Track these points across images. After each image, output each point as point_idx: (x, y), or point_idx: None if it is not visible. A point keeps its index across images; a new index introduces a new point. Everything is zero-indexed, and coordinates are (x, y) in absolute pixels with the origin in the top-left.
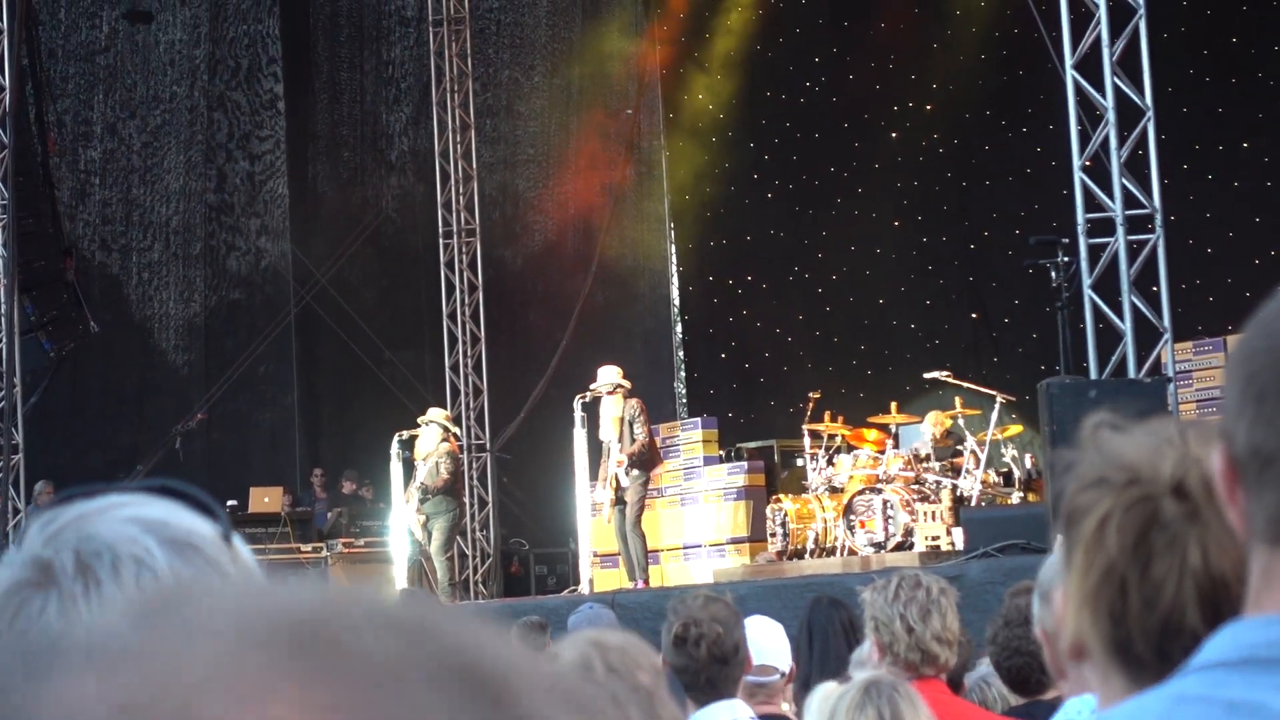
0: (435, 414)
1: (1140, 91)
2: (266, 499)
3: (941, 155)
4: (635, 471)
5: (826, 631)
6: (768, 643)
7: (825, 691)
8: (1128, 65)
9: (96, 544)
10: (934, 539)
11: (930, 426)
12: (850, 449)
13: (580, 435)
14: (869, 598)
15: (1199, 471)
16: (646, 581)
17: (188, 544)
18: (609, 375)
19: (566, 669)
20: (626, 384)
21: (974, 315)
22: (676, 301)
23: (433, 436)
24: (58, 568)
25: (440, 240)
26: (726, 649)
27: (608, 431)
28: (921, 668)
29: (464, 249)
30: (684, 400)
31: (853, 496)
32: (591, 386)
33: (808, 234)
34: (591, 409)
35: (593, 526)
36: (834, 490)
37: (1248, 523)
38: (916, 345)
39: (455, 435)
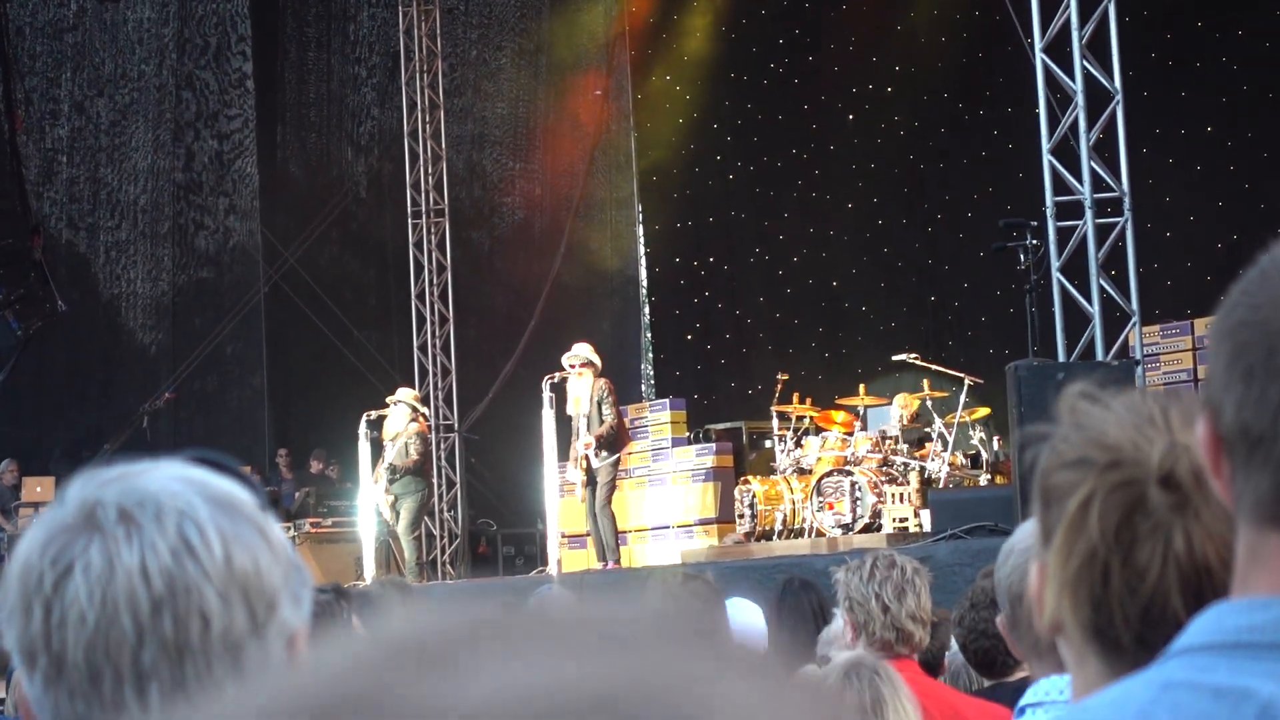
0: (404, 394)
1: (1109, 75)
2: None
3: (901, 138)
4: (604, 453)
5: (796, 614)
6: (745, 624)
7: (806, 674)
8: (1094, 48)
9: (140, 495)
10: (902, 521)
11: (898, 409)
12: (818, 431)
13: (549, 416)
14: (843, 578)
15: (1189, 460)
16: (617, 563)
17: (230, 503)
18: (582, 351)
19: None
20: (597, 362)
21: (932, 298)
22: (644, 283)
23: (401, 416)
24: (100, 514)
25: (409, 220)
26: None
27: (575, 410)
28: (896, 646)
29: (432, 229)
30: (652, 381)
31: (821, 478)
32: (563, 358)
33: (768, 216)
34: (560, 389)
35: (561, 507)
36: (802, 472)
37: (1235, 501)
38: (874, 328)
39: (424, 415)
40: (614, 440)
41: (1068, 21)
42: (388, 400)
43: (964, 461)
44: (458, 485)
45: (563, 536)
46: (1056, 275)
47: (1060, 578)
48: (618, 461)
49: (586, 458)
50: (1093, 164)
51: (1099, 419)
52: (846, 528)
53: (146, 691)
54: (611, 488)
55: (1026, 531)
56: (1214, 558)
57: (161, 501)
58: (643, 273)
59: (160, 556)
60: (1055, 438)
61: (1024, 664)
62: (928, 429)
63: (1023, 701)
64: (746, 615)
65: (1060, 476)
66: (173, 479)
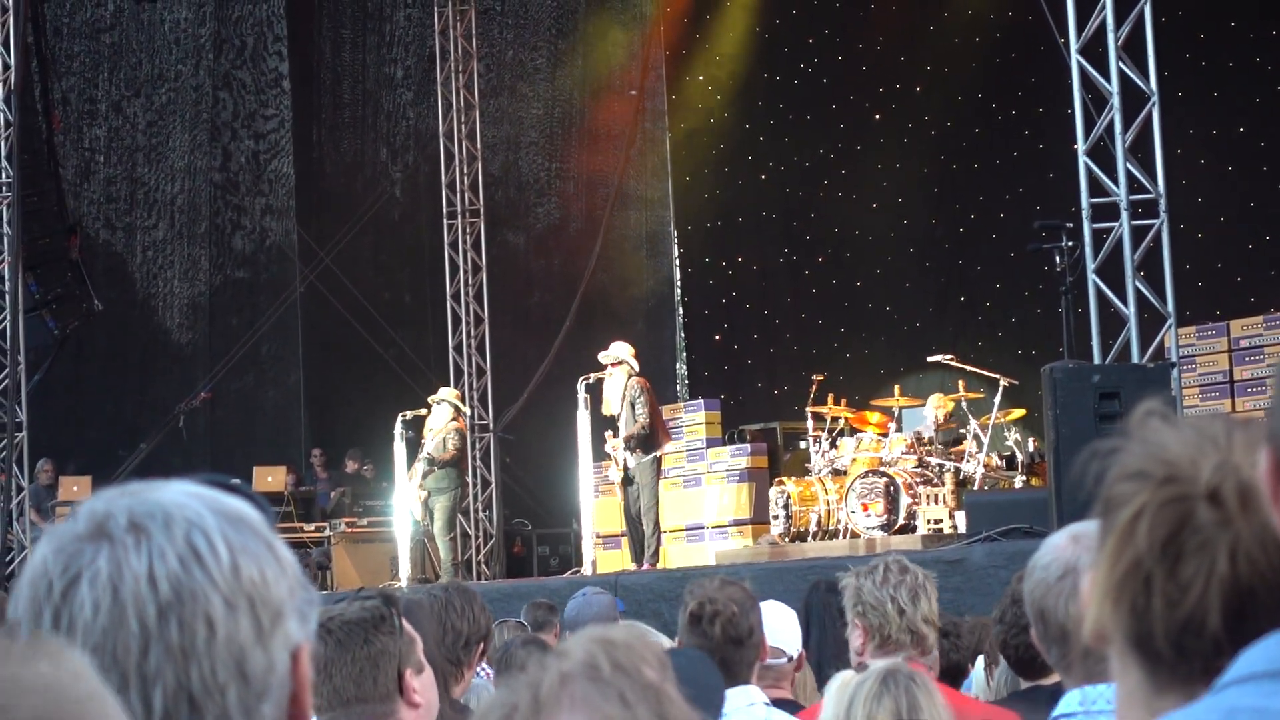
0: (445, 393)
1: (1145, 76)
2: (270, 478)
3: (932, 137)
4: (639, 453)
5: (824, 616)
6: (778, 626)
7: (843, 680)
8: (1131, 49)
9: (150, 506)
10: (936, 522)
11: (933, 409)
12: (853, 432)
13: (583, 416)
14: (854, 583)
15: (1236, 479)
16: (655, 564)
17: (239, 518)
18: (619, 350)
19: (573, 670)
20: (631, 361)
21: (961, 299)
22: (678, 283)
23: (443, 415)
24: (111, 525)
25: (444, 220)
26: (741, 630)
27: (610, 408)
28: (910, 650)
29: (468, 229)
30: (686, 382)
31: (856, 479)
32: (600, 356)
33: (797, 216)
34: (595, 390)
35: (596, 507)
36: (837, 473)
37: None
38: (900, 328)
39: (465, 414)
40: (647, 439)
41: (1103, 23)
42: (429, 399)
43: (999, 463)
44: (493, 485)
45: (597, 537)
46: (1092, 277)
47: (1105, 584)
48: (657, 461)
49: (626, 457)
50: (1129, 165)
51: (1164, 435)
52: (882, 529)
53: (151, 696)
54: (654, 492)
55: (1050, 548)
56: (1257, 580)
57: (171, 512)
58: (676, 272)
59: (168, 563)
60: (1122, 451)
61: None
62: (963, 430)
63: (1056, 712)
64: (778, 617)
65: (1119, 488)
66: (183, 494)
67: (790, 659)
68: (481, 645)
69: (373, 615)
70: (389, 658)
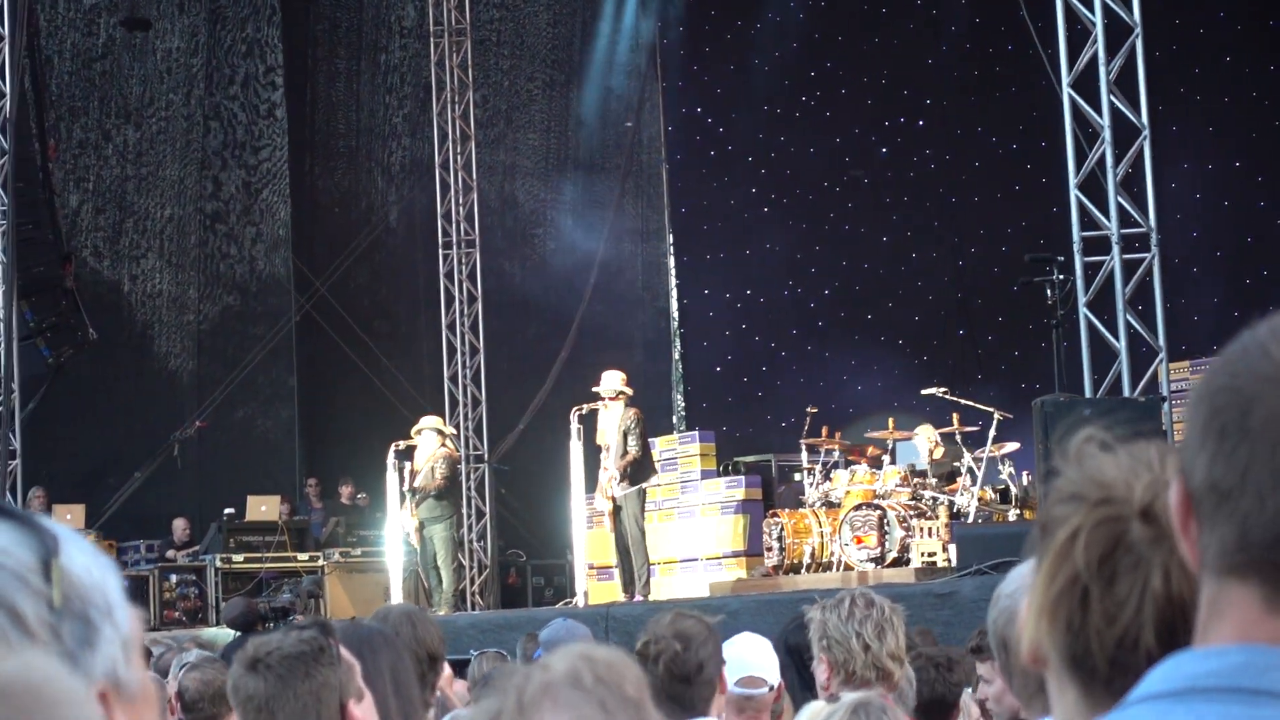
0: (429, 421)
1: (1136, 110)
2: (264, 507)
3: (933, 170)
4: (625, 483)
5: (804, 649)
6: (754, 656)
7: (812, 711)
8: (1122, 83)
9: None
10: (930, 555)
11: (923, 441)
12: (848, 464)
13: (577, 447)
14: (819, 617)
15: (1168, 497)
16: (646, 595)
17: None
18: (612, 381)
19: (557, 678)
20: (629, 391)
21: (960, 332)
22: (675, 315)
23: (431, 442)
24: None
25: (440, 251)
26: (687, 667)
27: (605, 439)
28: (875, 686)
29: (464, 260)
30: (682, 413)
31: (849, 511)
32: (595, 389)
33: (801, 248)
34: (589, 420)
35: (588, 539)
36: (830, 505)
37: (1200, 554)
38: (908, 361)
39: (452, 438)
40: (638, 470)
41: (1094, 56)
42: (412, 431)
43: (993, 496)
44: (487, 516)
45: (590, 568)
46: (1083, 310)
47: (1041, 602)
48: (643, 494)
49: (610, 487)
50: (1120, 199)
51: (1099, 460)
52: (875, 561)
53: None
54: (640, 519)
55: (1014, 576)
56: (1189, 596)
57: None
58: (674, 304)
59: None
60: (1060, 477)
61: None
62: (956, 463)
63: None
64: (753, 648)
65: (1055, 510)
66: None
67: (770, 688)
68: (437, 668)
69: (311, 647)
70: (331, 690)
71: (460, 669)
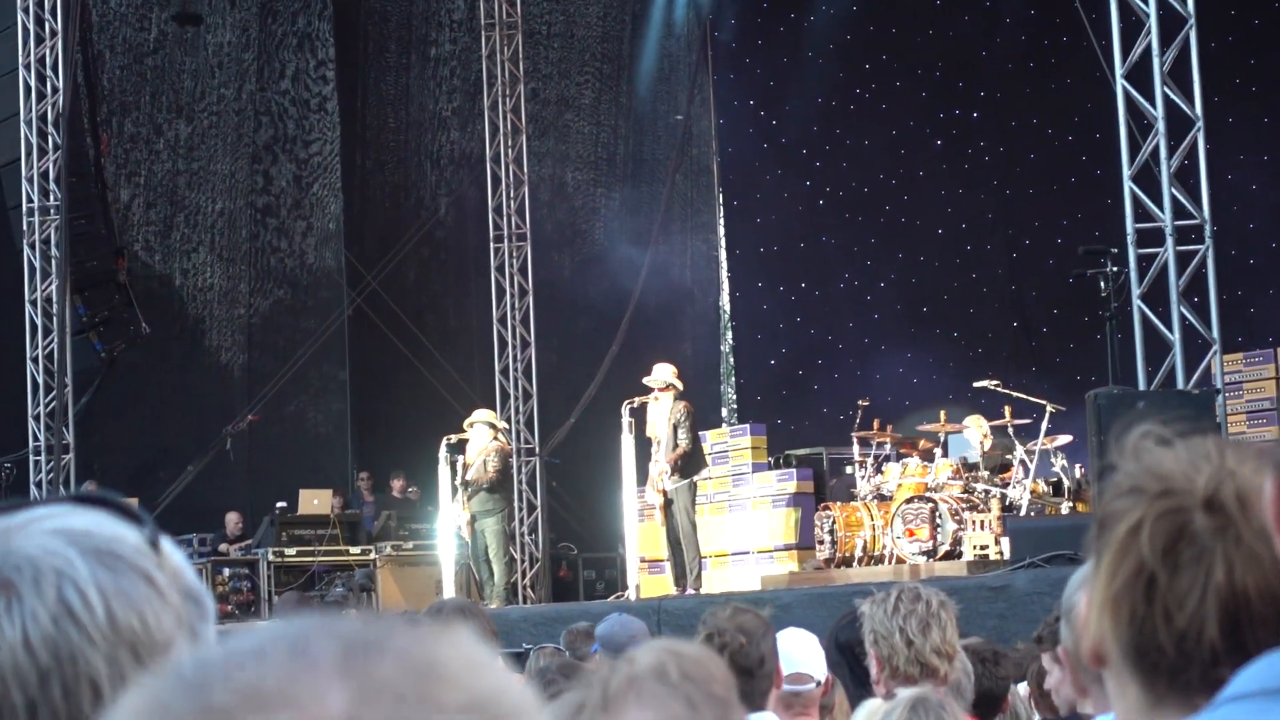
0: (481, 415)
1: (1190, 102)
2: (316, 501)
3: (987, 163)
4: (676, 476)
5: (855, 645)
6: (801, 653)
7: (870, 708)
8: (1176, 75)
9: (17, 559)
10: (983, 548)
11: (975, 433)
12: (899, 457)
13: (628, 440)
14: (868, 610)
15: (1233, 485)
16: (697, 589)
17: (110, 553)
18: (663, 373)
19: (643, 672)
20: (678, 384)
21: (1015, 324)
22: (726, 308)
23: (483, 436)
24: None
25: (491, 244)
26: (750, 660)
27: (655, 432)
28: (920, 681)
29: (514, 253)
30: (734, 406)
31: (901, 504)
32: (645, 380)
33: (856, 241)
34: (639, 413)
35: (640, 532)
36: (882, 498)
37: None
38: (963, 354)
39: (504, 432)
40: (688, 464)
41: (1148, 48)
42: (465, 424)
43: (1046, 489)
44: (539, 509)
45: (642, 561)
46: (1137, 302)
47: (1103, 597)
48: (694, 487)
49: (665, 481)
50: (1174, 191)
51: (1157, 454)
52: (928, 554)
53: None
54: (691, 513)
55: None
56: (1253, 588)
57: (39, 564)
58: (725, 297)
59: (42, 625)
60: (1118, 472)
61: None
62: (1009, 456)
63: None
64: (800, 643)
65: (1115, 504)
66: (50, 534)
67: (817, 683)
68: None
69: None
70: None
71: (511, 662)
